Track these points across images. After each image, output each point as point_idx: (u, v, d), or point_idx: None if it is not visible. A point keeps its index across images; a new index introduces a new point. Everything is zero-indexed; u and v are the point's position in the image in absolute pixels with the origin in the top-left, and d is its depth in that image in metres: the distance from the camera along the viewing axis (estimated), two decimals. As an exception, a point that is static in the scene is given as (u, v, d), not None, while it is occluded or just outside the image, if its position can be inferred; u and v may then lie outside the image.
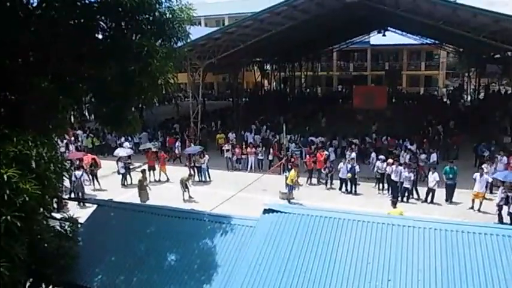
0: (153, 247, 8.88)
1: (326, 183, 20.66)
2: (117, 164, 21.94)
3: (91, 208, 10.91)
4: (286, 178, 19.22)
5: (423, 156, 21.53)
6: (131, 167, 22.79)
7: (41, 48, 7.75)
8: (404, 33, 46.40)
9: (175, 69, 15.62)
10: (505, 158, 19.92)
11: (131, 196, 18.92)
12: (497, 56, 34.98)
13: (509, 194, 15.34)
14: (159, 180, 22.50)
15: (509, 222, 15.01)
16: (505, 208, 15.46)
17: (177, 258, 8.59)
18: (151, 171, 22.44)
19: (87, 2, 8.00)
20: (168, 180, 22.40)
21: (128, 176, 22.02)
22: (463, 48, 44.97)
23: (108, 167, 23.24)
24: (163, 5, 9.60)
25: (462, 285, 6.73)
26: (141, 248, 8.97)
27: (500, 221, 15.52)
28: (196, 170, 22.27)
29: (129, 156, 23.01)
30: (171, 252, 8.72)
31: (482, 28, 22.54)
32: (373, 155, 22.09)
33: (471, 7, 21.94)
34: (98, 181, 21.47)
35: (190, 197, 19.44)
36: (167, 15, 9.62)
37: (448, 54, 57.27)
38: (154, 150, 23.68)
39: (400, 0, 23.82)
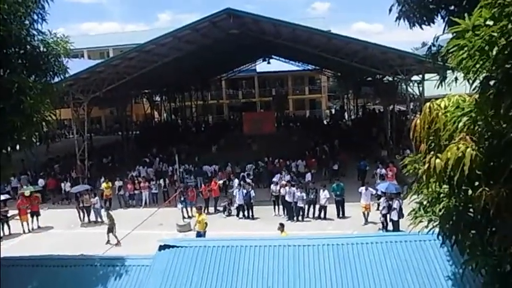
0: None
1: (224, 211, 20.64)
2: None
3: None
4: (183, 210, 18.80)
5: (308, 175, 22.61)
6: (8, 215, 20.36)
7: None
8: (287, 60, 49.27)
9: (55, 105, 14.64)
10: (383, 171, 21.84)
11: (10, 248, 17.00)
12: (370, 78, 38.66)
13: (390, 203, 16.76)
14: (39, 227, 20.37)
15: (391, 229, 16.31)
16: (388, 216, 16.82)
17: (65, 312, 7.83)
18: (35, 217, 20.35)
19: None
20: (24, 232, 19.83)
21: (4, 226, 19.57)
22: (340, 72, 48.97)
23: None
24: (36, 38, 9.00)
25: (355, 295, 7.09)
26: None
27: (385, 228, 16.85)
28: (85, 211, 20.71)
29: (4, 203, 20.56)
30: (59, 306, 7.93)
31: (354, 54, 24.87)
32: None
33: (343, 36, 24.23)
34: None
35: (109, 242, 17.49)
36: (41, 48, 9.02)
37: (329, 79, 62.01)
38: (27, 194, 21.19)
39: (281, 30, 25.29)
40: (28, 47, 8.68)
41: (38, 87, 8.29)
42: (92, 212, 20.74)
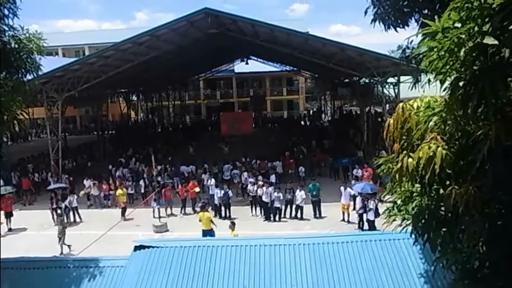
0: (8, 306, 7.80)
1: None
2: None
3: None
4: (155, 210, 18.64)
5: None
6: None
7: None
8: (265, 61, 49.41)
9: (28, 103, 14.31)
10: (359, 171, 22.12)
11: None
12: (347, 80, 39.10)
13: (366, 203, 17.00)
14: (11, 229, 19.81)
15: (367, 228, 16.55)
16: (364, 215, 17.05)
17: (38, 314, 7.66)
18: (8, 218, 19.82)
19: None
20: None
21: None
22: (318, 74, 49.39)
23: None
24: (7, 34, 8.78)
25: (331, 293, 7.17)
26: (-7, 309, 7.80)
27: (361, 227, 17.07)
28: (61, 212, 20.26)
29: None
30: (31, 308, 7.75)
31: (332, 56, 25.13)
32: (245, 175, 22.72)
33: (320, 38, 24.46)
34: None
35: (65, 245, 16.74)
36: (12, 44, 8.81)
37: (306, 80, 62.45)
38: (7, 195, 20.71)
39: (259, 31, 25.36)
40: (-2, 43, 8.47)
41: (8, 85, 8.10)
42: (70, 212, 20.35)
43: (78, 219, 20.50)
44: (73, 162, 30.21)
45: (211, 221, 16.32)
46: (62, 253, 16.23)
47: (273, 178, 22.04)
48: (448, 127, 4.05)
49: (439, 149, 3.88)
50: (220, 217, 19.73)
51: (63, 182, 23.95)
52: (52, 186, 21.96)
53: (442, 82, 3.66)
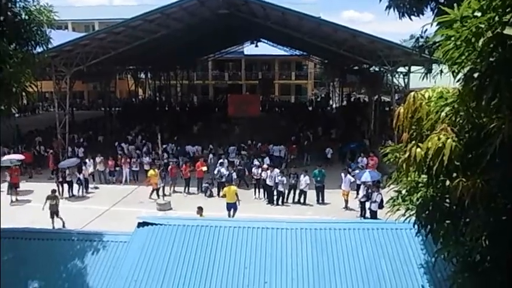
0: (13, 275, 7.89)
1: (205, 192, 20.63)
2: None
3: None
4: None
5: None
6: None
7: None
8: (275, 44, 48.96)
9: (36, 76, 14.30)
10: (364, 159, 22.07)
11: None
12: (356, 67, 38.72)
13: (369, 192, 16.98)
14: (17, 200, 20.08)
15: (369, 216, 16.57)
16: (367, 204, 17.06)
17: (41, 285, 7.79)
18: (13, 189, 20.06)
19: None
20: None
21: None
22: (327, 59, 48.92)
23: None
24: (18, 5, 8.72)
25: (331, 278, 7.23)
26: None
27: (363, 215, 17.11)
28: (68, 185, 20.47)
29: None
30: (34, 279, 7.88)
31: (343, 42, 24.84)
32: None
33: (332, 23, 24.11)
34: None
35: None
36: (22, 16, 8.75)
37: (315, 65, 61.91)
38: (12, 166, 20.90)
39: (270, 13, 25.05)
40: (9, 13, 8.41)
41: (18, 56, 8.06)
42: (76, 186, 20.64)
43: (85, 194, 20.72)
44: (84, 136, 30.46)
45: (236, 194, 16.81)
46: (53, 227, 16.01)
47: (266, 161, 21.95)
48: (459, 119, 4.01)
49: (449, 140, 3.84)
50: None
51: (79, 155, 24.40)
52: (65, 163, 21.76)
53: (456, 73, 3.60)
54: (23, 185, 21.31)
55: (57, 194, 17.53)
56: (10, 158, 21.64)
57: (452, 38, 3.45)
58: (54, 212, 16.52)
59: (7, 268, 8.07)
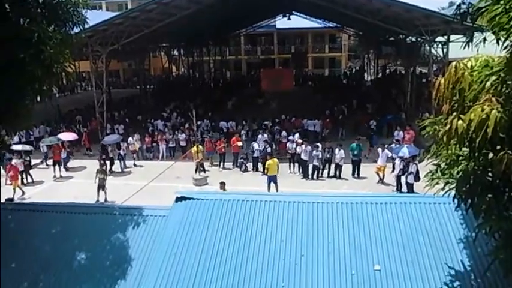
0: (60, 247, 8.33)
1: (241, 167, 20.83)
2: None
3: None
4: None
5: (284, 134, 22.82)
6: (32, 164, 21.00)
7: None
8: (308, 17, 47.96)
9: (74, 56, 14.66)
10: (401, 133, 21.59)
11: (34, 195, 17.64)
12: (392, 38, 37.52)
13: (405, 165, 16.67)
14: (61, 176, 20.95)
15: (406, 190, 16.33)
16: (403, 178, 16.80)
17: (87, 257, 8.16)
18: (57, 166, 20.91)
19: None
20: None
21: (27, 175, 20.16)
22: (362, 31, 47.60)
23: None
24: (55, -14, 8.88)
25: (367, 252, 7.21)
26: (46, 250, 8.37)
27: (399, 189, 16.88)
28: (110, 162, 21.13)
29: (29, 153, 21.24)
30: (80, 251, 8.26)
31: (377, 13, 24.03)
32: (284, 133, 22.75)
33: (365, -8, 23.30)
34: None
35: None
36: (59, -3, 8.91)
37: (349, 37, 60.38)
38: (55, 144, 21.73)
39: (303, -16, 24.50)
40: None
41: (57, 37, 8.26)
42: (117, 162, 21.33)
43: (124, 169, 21.37)
44: (123, 114, 31.29)
45: (278, 167, 17.24)
46: (97, 200, 16.85)
47: (296, 136, 21.60)
48: (506, 88, 3.82)
49: (494, 111, 3.68)
50: (258, 171, 20.00)
51: (119, 131, 25.39)
52: (108, 139, 22.46)
53: (503, 40, 3.42)
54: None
55: (104, 167, 18.13)
56: (54, 138, 22.55)
57: (502, 2, 3.26)
58: (101, 186, 17.17)
59: (56, 239, 8.52)
